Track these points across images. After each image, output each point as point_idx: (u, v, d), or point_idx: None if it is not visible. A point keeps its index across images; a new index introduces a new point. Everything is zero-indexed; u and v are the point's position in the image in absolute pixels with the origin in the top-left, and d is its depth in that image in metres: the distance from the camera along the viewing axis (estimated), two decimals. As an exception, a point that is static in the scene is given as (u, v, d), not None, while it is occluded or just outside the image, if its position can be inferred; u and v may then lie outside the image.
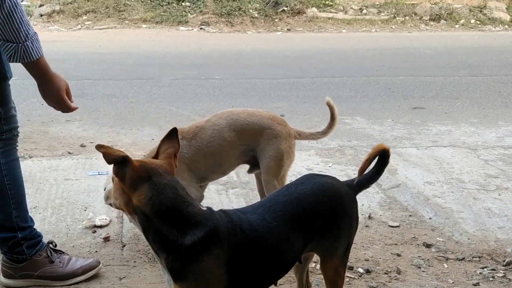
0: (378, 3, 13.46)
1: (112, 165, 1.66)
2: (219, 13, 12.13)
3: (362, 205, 3.30)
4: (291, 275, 2.28)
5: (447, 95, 6.55)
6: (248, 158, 2.75)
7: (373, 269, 2.63)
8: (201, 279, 1.66)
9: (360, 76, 7.46)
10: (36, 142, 4.49)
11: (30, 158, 4.09)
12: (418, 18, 12.93)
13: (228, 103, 5.90)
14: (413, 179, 3.78)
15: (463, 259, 2.76)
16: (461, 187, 3.68)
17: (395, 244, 2.90)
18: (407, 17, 12.90)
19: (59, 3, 12.39)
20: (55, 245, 2.57)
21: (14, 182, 2.32)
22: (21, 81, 5.99)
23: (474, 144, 4.64)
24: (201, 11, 12.24)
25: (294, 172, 3.81)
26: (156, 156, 1.77)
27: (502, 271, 2.66)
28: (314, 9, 12.73)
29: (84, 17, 12.09)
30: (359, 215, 2.07)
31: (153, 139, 4.60)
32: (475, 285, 2.53)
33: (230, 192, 3.52)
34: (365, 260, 2.73)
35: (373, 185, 2.20)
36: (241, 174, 3.67)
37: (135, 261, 2.68)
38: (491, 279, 2.59)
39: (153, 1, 12.38)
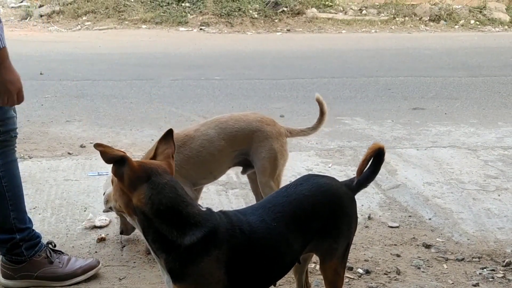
0: (377, 3, 13.46)
1: (111, 165, 1.66)
2: (218, 14, 12.13)
3: (362, 205, 3.30)
4: (290, 275, 2.28)
5: (446, 95, 6.56)
6: (240, 160, 2.76)
7: (372, 270, 2.63)
8: (200, 280, 1.66)
9: (360, 77, 7.46)
10: (36, 143, 4.49)
11: (30, 158, 4.10)
12: (417, 18, 12.92)
13: (228, 104, 5.91)
14: (413, 180, 3.79)
15: (462, 259, 2.76)
16: (461, 187, 3.68)
17: (395, 245, 2.90)
18: (406, 18, 12.90)
19: (59, 4, 12.39)
20: (55, 246, 2.57)
21: (11, 183, 2.31)
22: (20, 82, 6.00)
23: (474, 144, 4.65)
24: (200, 12, 12.24)
25: (294, 172, 3.81)
26: (154, 157, 1.78)
27: (501, 272, 2.66)
28: (314, 9, 12.73)
29: (84, 18, 12.09)
30: (359, 215, 2.08)
31: (152, 140, 4.59)
32: (474, 286, 2.53)
33: (230, 193, 3.53)
34: (365, 260, 2.73)
35: (373, 186, 2.22)
36: (240, 175, 3.67)
37: (134, 262, 2.68)
38: (490, 279, 2.59)
39: (153, 2, 12.38)
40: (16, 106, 2.32)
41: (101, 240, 2.86)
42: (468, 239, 2.98)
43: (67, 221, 3.08)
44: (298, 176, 2.10)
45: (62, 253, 2.57)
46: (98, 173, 3.74)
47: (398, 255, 2.79)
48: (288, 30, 11.94)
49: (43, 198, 3.37)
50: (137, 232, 2.76)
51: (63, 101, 5.89)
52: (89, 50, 9.18)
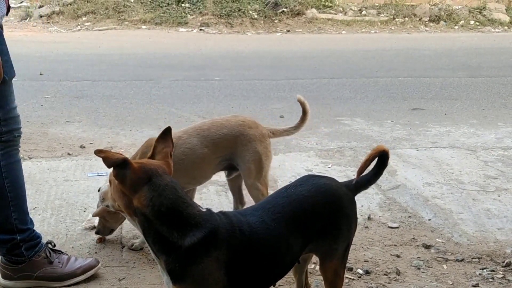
0: (377, 4, 13.46)
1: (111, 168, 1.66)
2: (218, 14, 12.13)
3: (362, 206, 3.30)
4: (290, 276, 2.28)
5: (446, 96, 6.56)
6: (225, 165, 2.77)
7: (372, 270, 2.63)
8: (200, 281, 1.66)
9: (360, 77, 7.46)
10: (35, 143, 4.49)
11: (30, 159, 4.09)
12: (417, 19, 12.92)
13: (228, 104, 5.91)
14: (413, 180, 3.79)
15: (462, 260, 2.76)
16: (461, 188, 3.68)
17: (395, 245, 2.90)
18: (406, 18, 12.90)
19: (58, 4, 12.39)
20: (54, 245, 2.56)
21: (14, 184, 2.30)
22: (20, 82, 6.00)
23: (474, 145, 4.65)
24: (200, 12, 12.24)
25: (294, 173, 3.82)
26: (152, 156, 1.77)
27: (501, 272, 2.66)
28: (314, 10, 12.73)
29: (84, 18, 12.09)
30: (359, 216, 2.08)
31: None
32: (474, 286, 2.53)
33: (230, 193, 3.51)
34: (365, 261, 2.73)
35: (373, 186, 2.21)
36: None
37: (134, 262, 2.68)
38: (490, 280, 2.59)
39: (153, 2, 12.38)
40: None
41: (101, 240, 2.86)
42: (468, 240, 2.98)
43: (66, 221, 3.08)
44: (298, 177, 2.10)
45: (62, 252, 2.57)
46: (97, 173, 3.74)
47: (398, 256, 2.79)
48: (288, 31, 11.94)
49: (43, 198, 3.37)
50: (138, 233, 2.75)
51: (63, 101, 5.90)
52: (89, 50, 9.18)
